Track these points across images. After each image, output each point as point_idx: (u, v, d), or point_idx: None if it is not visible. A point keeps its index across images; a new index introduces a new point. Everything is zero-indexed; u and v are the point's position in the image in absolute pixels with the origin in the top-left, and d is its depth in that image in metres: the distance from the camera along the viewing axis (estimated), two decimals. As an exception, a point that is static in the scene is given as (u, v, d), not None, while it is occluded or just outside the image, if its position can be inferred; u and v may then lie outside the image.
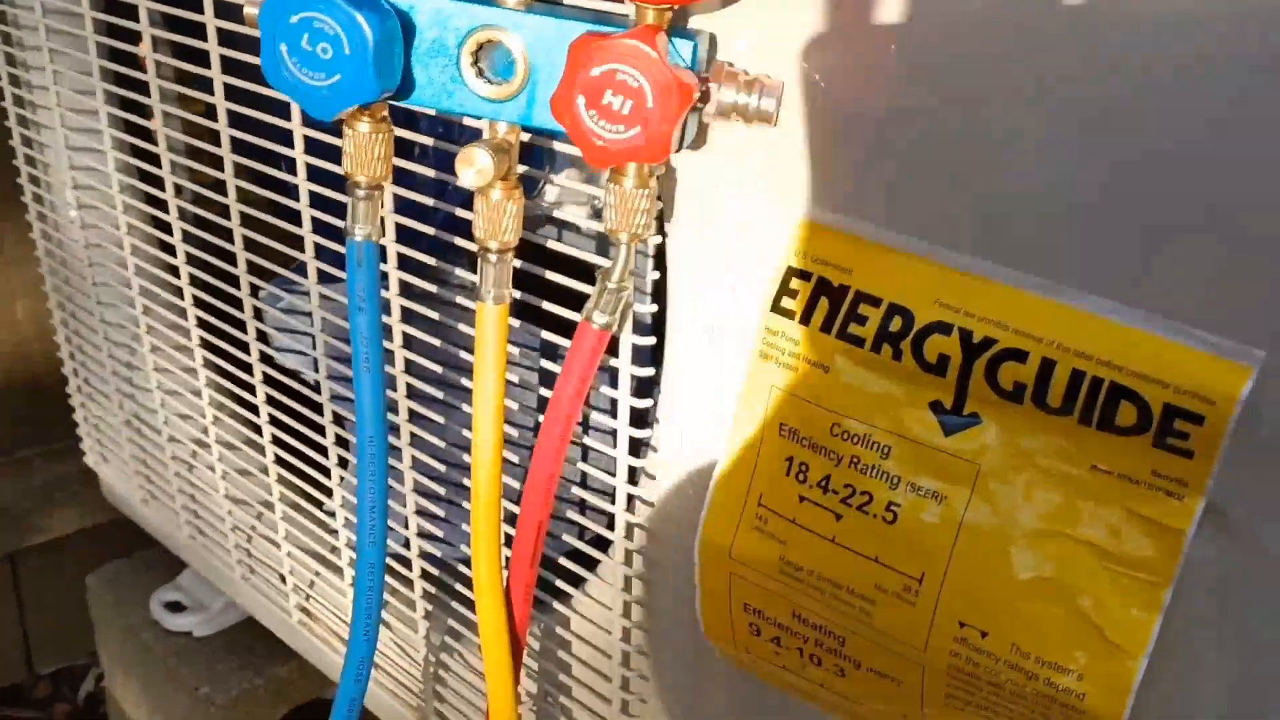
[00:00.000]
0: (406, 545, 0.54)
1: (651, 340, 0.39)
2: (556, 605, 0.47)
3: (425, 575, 0.54)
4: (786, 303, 0.34)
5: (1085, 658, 0.31)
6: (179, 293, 0.60)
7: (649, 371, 0.39)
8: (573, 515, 0.45)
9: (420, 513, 0.52)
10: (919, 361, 0.32)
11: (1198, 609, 0.29)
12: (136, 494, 0.76)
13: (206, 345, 0.61)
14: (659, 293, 0.38)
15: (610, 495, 0.42)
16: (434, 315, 0.46)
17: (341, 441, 0.55)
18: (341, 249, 0.47)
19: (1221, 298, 0.27)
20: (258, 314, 0.56)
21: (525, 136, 0.36)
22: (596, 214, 0.42)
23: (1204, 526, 0.29)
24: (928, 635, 0.34)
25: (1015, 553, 0.31)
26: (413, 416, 0.50)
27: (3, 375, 0.96)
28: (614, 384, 0.40)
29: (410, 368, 0.48)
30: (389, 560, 0.54)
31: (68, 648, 1.02)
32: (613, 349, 0.39)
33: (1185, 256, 0.27)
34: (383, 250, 0.45)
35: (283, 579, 0.65)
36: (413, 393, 0.49)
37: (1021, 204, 0.29)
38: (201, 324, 0.60)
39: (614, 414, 0.40)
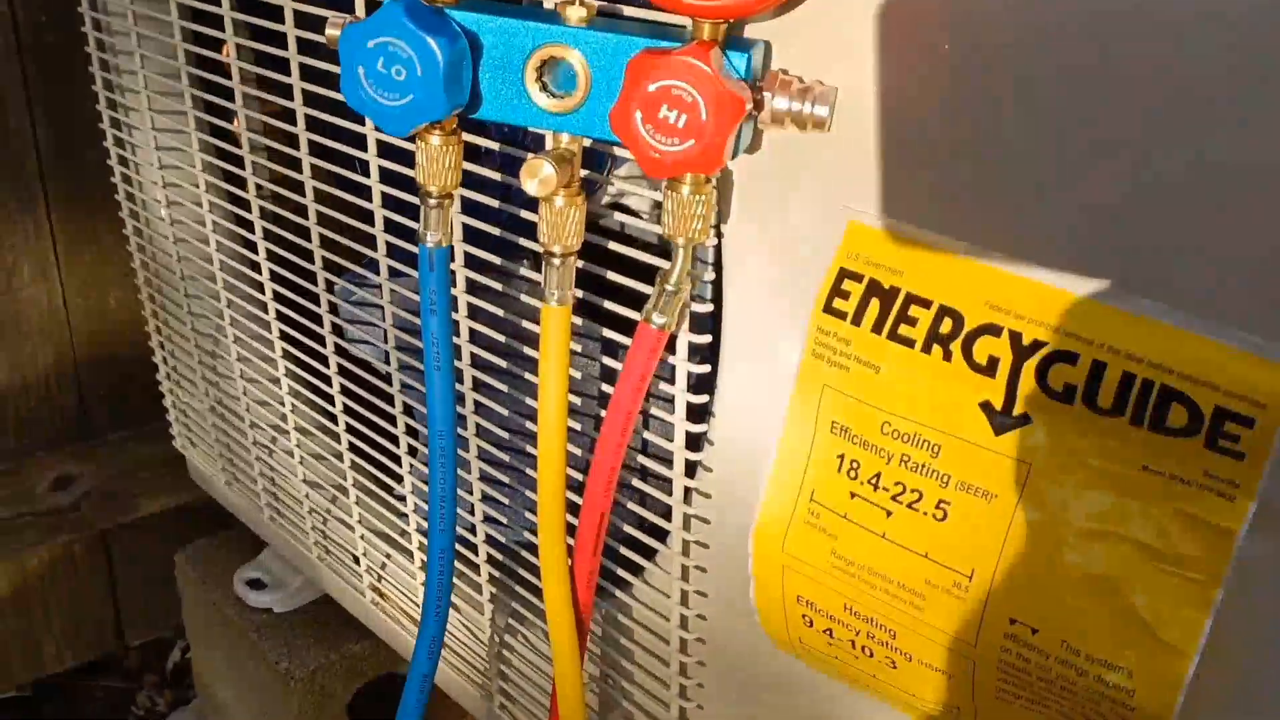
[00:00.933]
0: (472, 530, 0.56)
1: (708, 338, 0.40)
2: (618, 593, 0.49)
3: (490, 560, 0.57)
4: (838, 303, 0.35)
5: (1135, 655, 0.31)
6: (260, 286, 0.63)
7: (705, 369, 0.40)
8: (632, 506, 0.47)
9: (485, 499, 0.54)
10: (969, 363, 0.32)
11: (1249, 608, 0.30)
12: (220, 476, 0.80)
13: (285, 336, 0.64)
14: (715, 292, 0.39)
15: (669, 487, 0.44)
16: (499, 311, 0.47)
17: (411, 430, 0.57)
18: (411, 246, 0.49)
19: (1272, 300, 0.27)
20: (332, 307, 0.59)
21: (587, 142, 0.38)
22: (656, 205, 0.43)
23: (1255, 526, 0.29)
24: (978, 631, 0.34)
25: (1066, 551, 0.32)
26: (477, 408, 0.52)
27: (97, 362, 1.01)
28: (673, 380, 0.42)
29: (475, 360, 0.50)
30: (457, 548, 0.57)
31: (156, 621, 1.08)
32: (670, 346, 0.40)
33: (1237, 258, 0.27)
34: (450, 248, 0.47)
35: (356, 560, 0.68)
36: (477, 382, 0.51)
37: (1072, 208, 0.30)
38: (280, 316, 0.63)
39: (672, 408, 0.42)
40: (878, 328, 0.34)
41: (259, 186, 0.60)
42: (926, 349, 0.33)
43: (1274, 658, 0.30)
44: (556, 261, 0.37)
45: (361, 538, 0.66)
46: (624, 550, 0.48)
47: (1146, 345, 0.29)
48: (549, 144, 0.35)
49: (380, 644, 0.79)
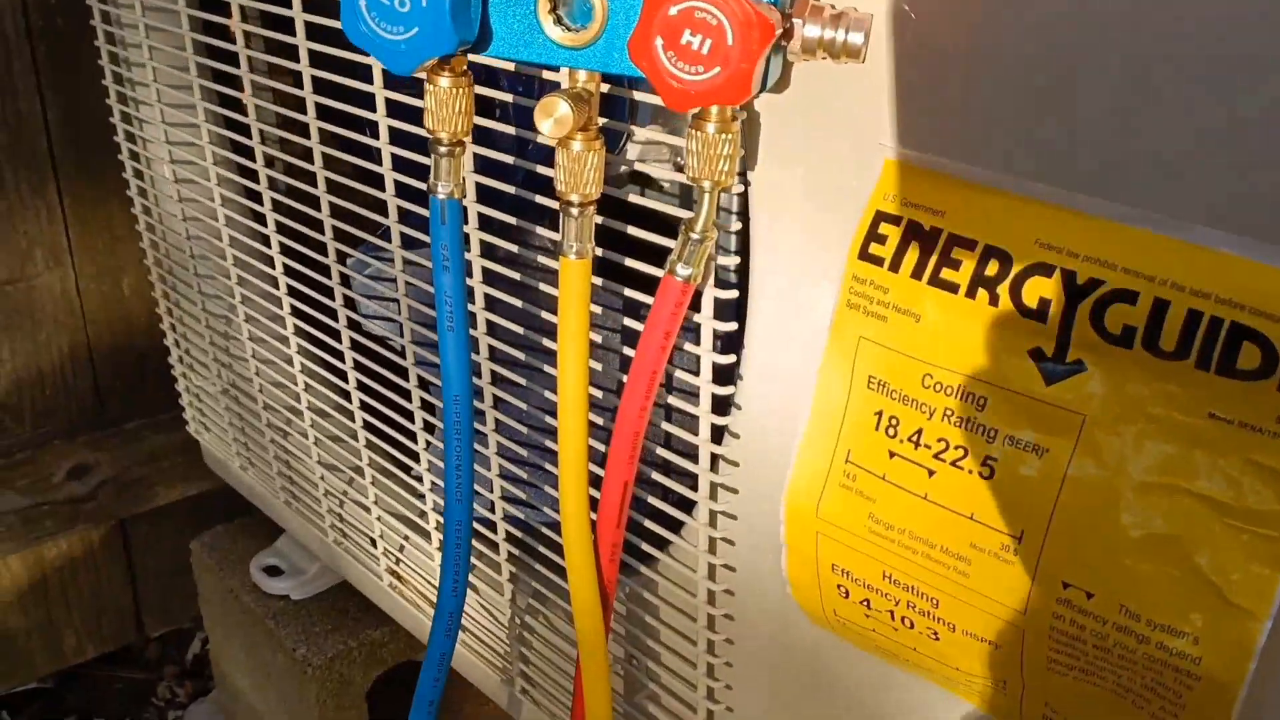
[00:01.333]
0: (491, 509, 0.54)
1: (735, 294, 0.38)
2: (642, 569, 0.47)
3: (510, 539, 0.55)
4: (874, 249, 0.33)
5: (1202, 619, 0.29)
6: (271, 262, 0.62)
7: (732, 326, 0.38)
8: (657, 477, 0.45)
9: (505, 477, 0.53)
10: (1018, 306, 0.30)
11: (1329, 568, 0.27)
12: (235, 461, 0.79)
13: (297, 313, 0.63)
14: (742, 244, 0.37)
15: (694, 455, 0.42)
16: (515, 276, 0.46)
17: (427, 407, 0.56)
18: (425, 213, 0.47)
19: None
20: (345, 281, 0.57)
21: (605, 86, 0.36)
22: (680, 168, 0.41)
23: (1337, 478, 0.26)
24: (1028, 597, 0.32)
25: (1124, 508, 0.30)
26: (496, 379, 0.50)
27: (111, 349, 1.01)
28: (697, 340, 0.40)
29: (493, 330, 0.49)
30: (475, 525, 0.55)
31: (175, 611, 1.07)
32: (695, 305, 0.38)
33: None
34: (464, 211, 0.45)
35: (373, 543, 0.67)
36: (495, 355, 0.49)
37: (1132, 133, 0.27)
38: (292, 292, 0.62)
39: (697, 371, 0.40)
40: (918, 273, 0.32)
41: (269, 157, 0.58)
42: (971, 293, 0.31)
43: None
44: (575, 211, 0.35)
45: (378, 519, 0.65)
46: (648, 524, 0.46)
47: (1214, 279, 0.27)
48: (565, 83, 0.33)
49: (399, 630, 0.77)
